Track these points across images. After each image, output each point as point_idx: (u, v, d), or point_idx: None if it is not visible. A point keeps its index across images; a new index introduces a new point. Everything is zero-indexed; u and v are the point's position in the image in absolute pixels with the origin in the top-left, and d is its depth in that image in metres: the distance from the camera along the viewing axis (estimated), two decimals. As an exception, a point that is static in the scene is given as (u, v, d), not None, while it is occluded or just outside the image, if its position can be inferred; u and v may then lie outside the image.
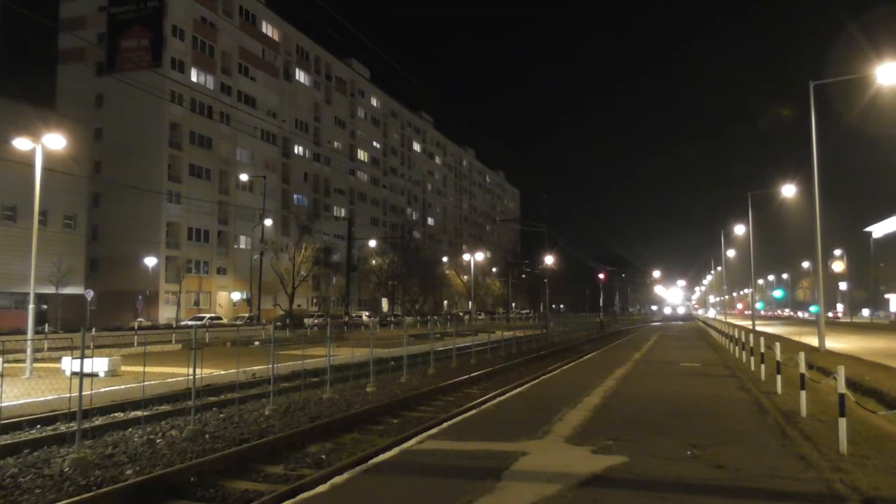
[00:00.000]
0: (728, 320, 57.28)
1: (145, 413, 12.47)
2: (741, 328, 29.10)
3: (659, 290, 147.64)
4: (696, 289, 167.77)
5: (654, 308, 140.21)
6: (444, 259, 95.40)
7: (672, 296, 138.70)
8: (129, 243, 55.29)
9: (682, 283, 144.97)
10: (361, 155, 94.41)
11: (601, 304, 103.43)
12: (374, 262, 72.45)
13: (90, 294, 47.65)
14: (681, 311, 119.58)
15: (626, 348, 28.90)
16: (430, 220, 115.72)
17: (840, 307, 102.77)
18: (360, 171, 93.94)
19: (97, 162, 57.38)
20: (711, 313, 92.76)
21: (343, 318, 52.51)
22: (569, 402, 11.50)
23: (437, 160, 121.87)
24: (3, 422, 10.84)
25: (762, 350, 15.87)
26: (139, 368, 15.37)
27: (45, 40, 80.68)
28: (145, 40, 49.00)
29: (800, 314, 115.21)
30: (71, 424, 10.83)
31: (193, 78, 62.63)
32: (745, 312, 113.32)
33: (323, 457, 9.96)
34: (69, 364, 16.35)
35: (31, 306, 19.28)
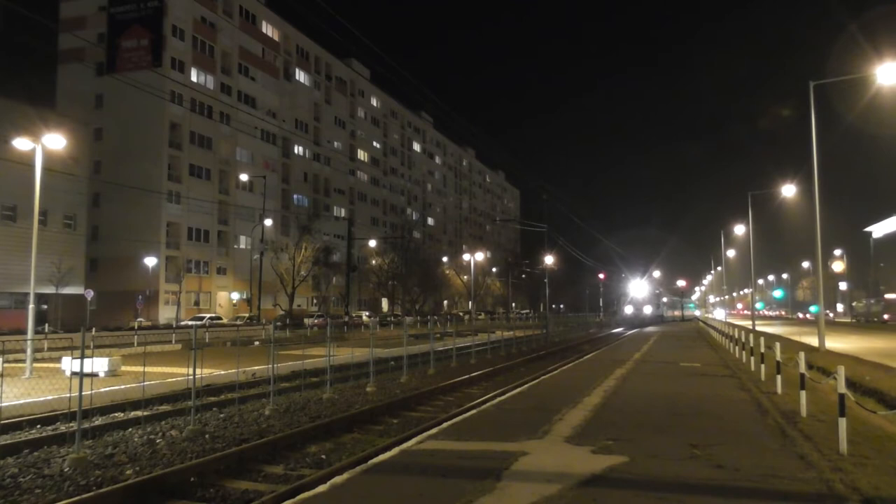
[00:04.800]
0: (727, 320, 57.31)
1: (145, 413, 12.48)
2: (741, 328, 29.11)
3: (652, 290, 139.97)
4: (697, 288, 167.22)
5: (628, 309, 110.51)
6: (444, 259, 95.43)
7: (637, 289, 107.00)
8: (129, 243, 55.26)
9: (682, 282, 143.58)
10: (361, 155, 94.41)
11: (601, 304, 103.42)
12: (374, 262, 72.47)
13: (90, 294, 47.66)
14: (647, 310, 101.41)
15: (626, 348, 28.91)
16: (430, 220, 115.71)
17: (840, 307, 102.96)
18: (360, 171, 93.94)
19: (97, 162, 57.37)
20: (720, 314, 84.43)
21: (343, 318, 52.53)
22: (569, 401, 11.50)
23: (437, 160, 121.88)
24: (3, 422, 10.85)
25: (762, 350, 15.87)
26: (139, 368, 15.39)
27: (45, 40, 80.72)
28: (145, 40, 49.01)
29: (776, 314, 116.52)
30: (71, 424, 10.83)
31: (193, 78, 62.63)
32: (745, 312, 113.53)
33: (323, 457, 9.96)
34: (69, 364, 16.35)
35: (31, 306, 19.28)
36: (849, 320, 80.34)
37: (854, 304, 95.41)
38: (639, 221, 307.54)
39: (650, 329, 56.29)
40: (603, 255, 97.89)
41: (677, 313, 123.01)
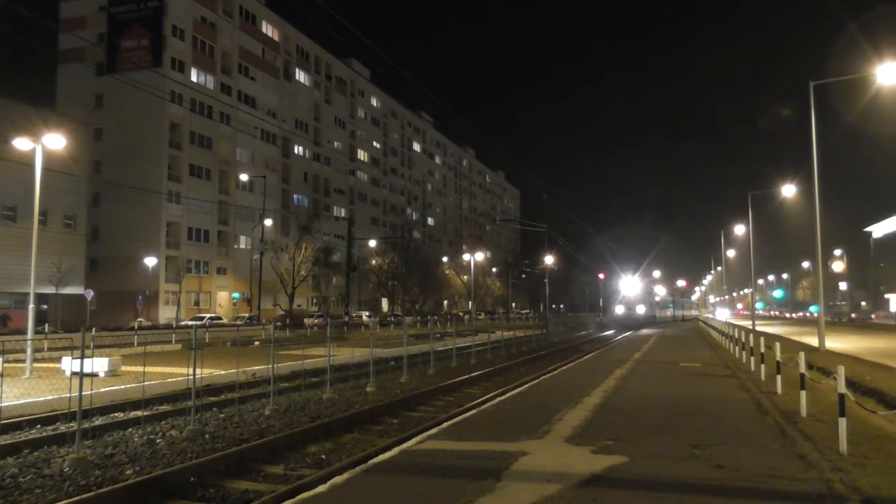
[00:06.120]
0: (727, 320, 57.27)
1: (145, 413, 12.48)
2: (741, 328, 29.10)
3: (659, 289, 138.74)
4: (697, 288, 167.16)
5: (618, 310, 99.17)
6: (444, 259, 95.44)
7: (628, 287, 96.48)
8: (129, 243, 55.28)
9: (682, 282, 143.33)
10: (361, 155, 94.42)
11: (601, 303, 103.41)
12: (374, 262, 72.48)
13: (90, 294, 47.65)
14: (641, 310, 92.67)
15: (625, 348, 28.90)
16: (430, 220, 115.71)
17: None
18: (360, 171, 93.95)
19: (97, 162, 57.38)
20: (723, 315, 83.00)
21: (343, 318, 52.54)
22: (569, 401, 11.50)
23: (437, 160, 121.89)
24: (3, 422, 10.85)
25: (762, 350, 15.86)
26: (139, 368, 15.39)
27: (45, 40, 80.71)
28: (145, 40, 48.96)
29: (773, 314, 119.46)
30: (71, 424, 10.83)
31: (193, 78, 62.63)
32: (744, 312, 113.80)
33: (323, 457, 9.96)
34: (69, 364, 16.35)
35: (31, 306, 19.29)
36: (830, 319, 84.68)
37: (830, 304, 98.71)
38: (637, 221, 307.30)
39: (645, 331, 53.01)
40: (600, 254, 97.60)
41: (668, 313, 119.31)
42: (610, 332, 59.49)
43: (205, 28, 65.28)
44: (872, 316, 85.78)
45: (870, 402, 11.37)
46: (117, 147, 58.10)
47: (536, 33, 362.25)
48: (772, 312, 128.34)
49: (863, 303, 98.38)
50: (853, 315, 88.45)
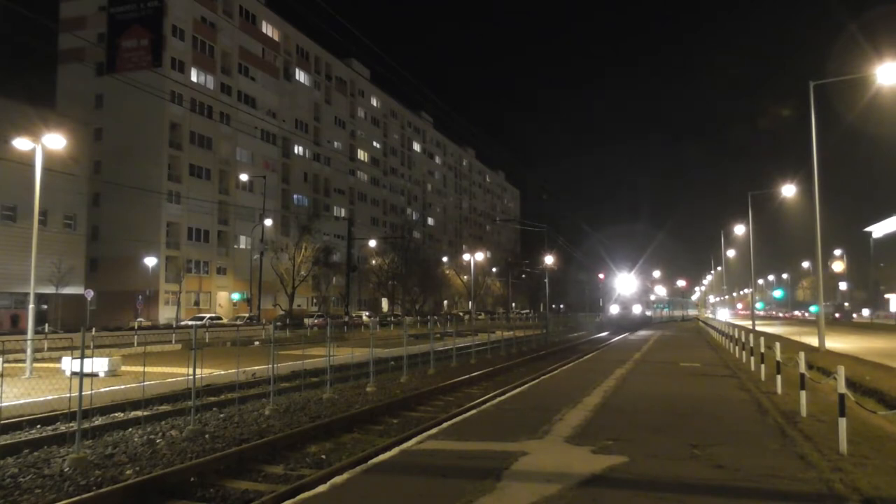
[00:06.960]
0: (727, 320, 57.27)
1: (145, 413, 12.48)
2: (741, 328, 29.11)
3: (659, 289, 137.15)
4: (697, 288, 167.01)
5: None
6: (444, 259, 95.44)
7: (623, 285, 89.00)
8: (129, 243, 55.29)
9: (682, 282, 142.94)
10: (361, 155, 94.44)
11: (601, 304, 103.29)
12: (374, 262, 72.51)
13: (90, 294, 47.66)
14: (637, 310, 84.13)
15: (625, 348, 28.90)
16: (430, 220, 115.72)
17: (847, 305, 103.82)
18: (360, 171, 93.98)
19: (97, 162, 57.39)
20: (723, 315, 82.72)
21: (343, 318, 52.52)
22: (569, 401, 11.50)
23: (437, 160, 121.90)
24: (3, 422, 10.86)
25: (762, 350, 15.87)
26: (139, 368, 15.39)
27: (45, 40, 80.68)
28: (145, 40, 48.96)
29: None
30: (71, 424, 10.84)
31: (193, 78, 62.65)
32: (743, 312, 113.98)
33: (323, 457, 9.97)
34: (69, 364, 16.36)
35: (31, 306, 19.31)
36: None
37: (826, 304, 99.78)
38: (637, 220, 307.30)
39: (643, 332, 50.28)
40: (600, 254, 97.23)
41: (665, 313, 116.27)
42: (607, 333, 59.32)
43: (205, 28, 65.29)
44: (854, 315, 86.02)
45: (870, 402, 11.38)
46: (117, 147, 58.10)
47: (536, 33, 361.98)
48: (770, 312, 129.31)
49: (845, 303, 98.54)
50: (837, 315, 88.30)
